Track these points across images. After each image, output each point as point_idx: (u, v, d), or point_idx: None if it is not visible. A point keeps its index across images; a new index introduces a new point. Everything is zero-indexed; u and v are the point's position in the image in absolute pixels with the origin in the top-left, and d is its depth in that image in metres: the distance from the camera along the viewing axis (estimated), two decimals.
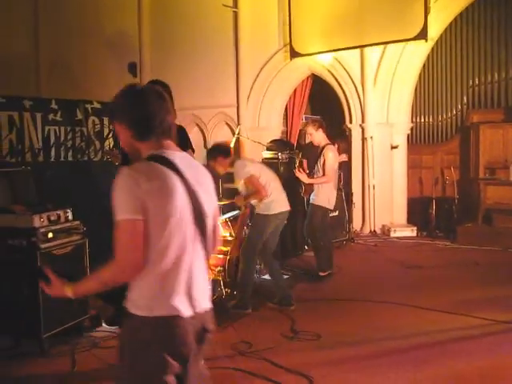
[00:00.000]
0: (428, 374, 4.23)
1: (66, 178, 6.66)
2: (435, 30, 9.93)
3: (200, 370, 2.39)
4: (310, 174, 7.35)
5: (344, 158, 9.41)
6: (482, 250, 8.74)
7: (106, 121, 7.41)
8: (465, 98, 10.85)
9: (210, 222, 2.35)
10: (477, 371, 4.25)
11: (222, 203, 7.14)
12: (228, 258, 6.25)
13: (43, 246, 4.64)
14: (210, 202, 2.38)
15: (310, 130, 7.18)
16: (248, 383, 4.16)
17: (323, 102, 11.99)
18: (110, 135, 7.45)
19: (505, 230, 9.02)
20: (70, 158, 7.03)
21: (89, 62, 12.11)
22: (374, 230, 10.50)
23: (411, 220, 10.63)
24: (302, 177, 7.30)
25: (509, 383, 4.11)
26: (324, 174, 7.04)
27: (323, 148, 7.12)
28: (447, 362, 4.44)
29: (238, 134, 9.40)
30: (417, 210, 10.73)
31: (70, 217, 5.11)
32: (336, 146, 8.00)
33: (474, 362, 4.43)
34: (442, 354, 4.61)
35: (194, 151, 4.18)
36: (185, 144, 4.18)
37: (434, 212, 10.24)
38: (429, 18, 9.11)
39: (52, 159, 6.85)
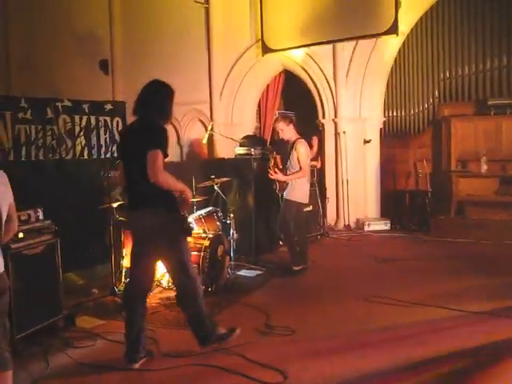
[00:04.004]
0: (400, 365, 4.27)
1: (37, 177, 6.58)
2: (406, 25, 10.02)
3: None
4: (283, 170, 7.32)
5: (317, 164, 9.41)
6: (455, 242, 8.85)
7: (77, 119, 7.32)
8: (436, 92, 10.94)
9: (4, 214, 3.38)
10: (448, 362, 4.30)
11: (196, 200, 7.12)
12: (202, 254, 6.24)
13: (14, 246, 4.58)
14: (5, 199, 3.42)
15: (282, 125, 7.16)
16: (222, 380, 4.15)
17: (296, 98, 12.01)
18: (82, 133, 7.36)
19: (477, 222, 9.12)
20: (41, 157, 6.92)
21: (60, 60, 11.99)
22: (348, 225, 10.56)
23: (385, 214, 10.71)
24: (278, 176, 7.21)
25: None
26: (300, 168, 7.06)
27: (294, 143, 7.14)
28: (419, 353, 4.47)
29: (211, 130, 9.39)
30: (390, 204, 10.81)
31: (41, 216, 5.06)
32: (316, 140, 7.99)
33: (444, 352, 4.47)
34: (414, 345, 4.66)
35: (166, 156, 4.14)
36: (161, 143, 4.16)
37: (407, 205, 10.33)
38: (399, 12, 9.17)
39: (23, 158, 6.75)
